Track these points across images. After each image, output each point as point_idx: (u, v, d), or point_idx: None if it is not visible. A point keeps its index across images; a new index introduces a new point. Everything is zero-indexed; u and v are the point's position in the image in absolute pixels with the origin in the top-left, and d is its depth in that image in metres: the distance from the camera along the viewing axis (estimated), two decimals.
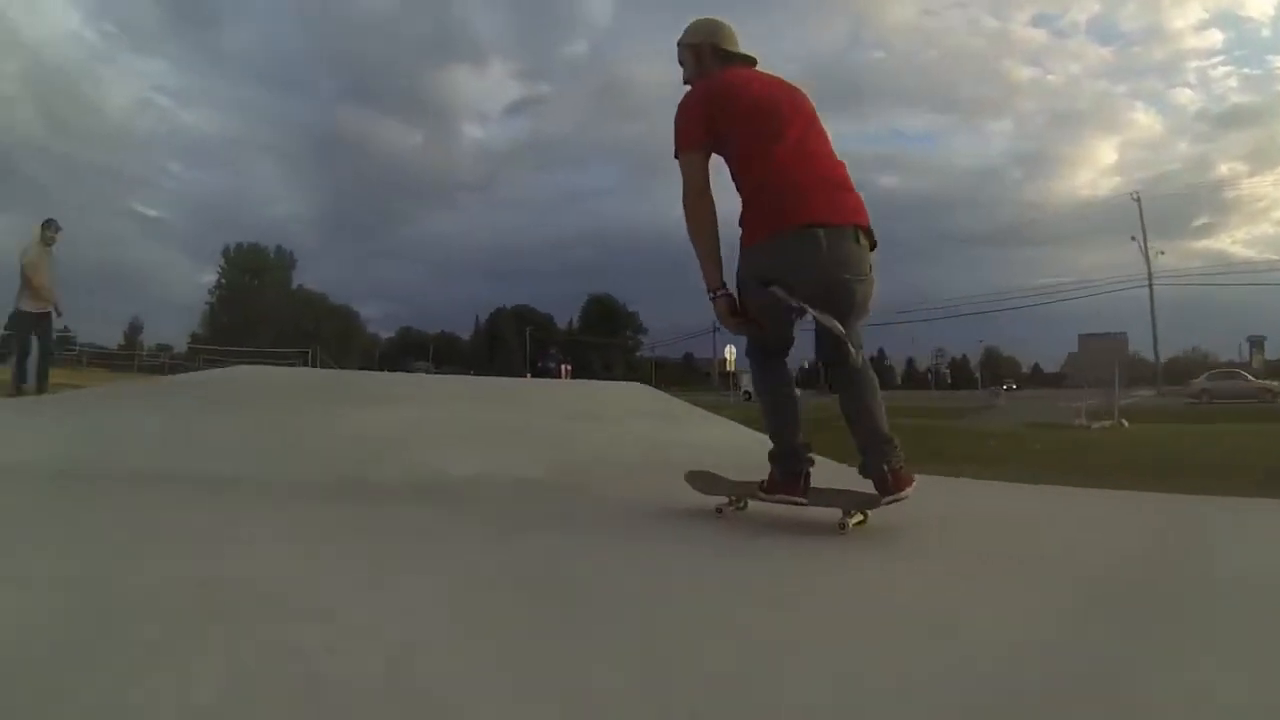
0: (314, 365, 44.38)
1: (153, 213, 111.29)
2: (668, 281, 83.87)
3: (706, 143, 2.41)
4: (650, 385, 8.61)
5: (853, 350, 2.32)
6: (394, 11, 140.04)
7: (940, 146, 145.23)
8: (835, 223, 2.28)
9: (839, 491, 2.50)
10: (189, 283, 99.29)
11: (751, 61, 2.61)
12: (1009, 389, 53.37)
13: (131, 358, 47.74)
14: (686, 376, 67.37)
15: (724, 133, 2.40)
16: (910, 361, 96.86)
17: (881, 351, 71.93)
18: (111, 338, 61.73)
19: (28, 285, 7.38)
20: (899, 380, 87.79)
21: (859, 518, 2.38)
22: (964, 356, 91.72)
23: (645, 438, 4.84)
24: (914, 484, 2.33)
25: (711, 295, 2.46)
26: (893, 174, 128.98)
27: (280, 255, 67.55)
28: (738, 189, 2.43)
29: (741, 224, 2.41)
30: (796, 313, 2.35)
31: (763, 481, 2.53)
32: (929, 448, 6.05)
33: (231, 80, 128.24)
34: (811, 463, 2.50)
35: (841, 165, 2.46)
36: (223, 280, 64.89)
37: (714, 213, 2.44)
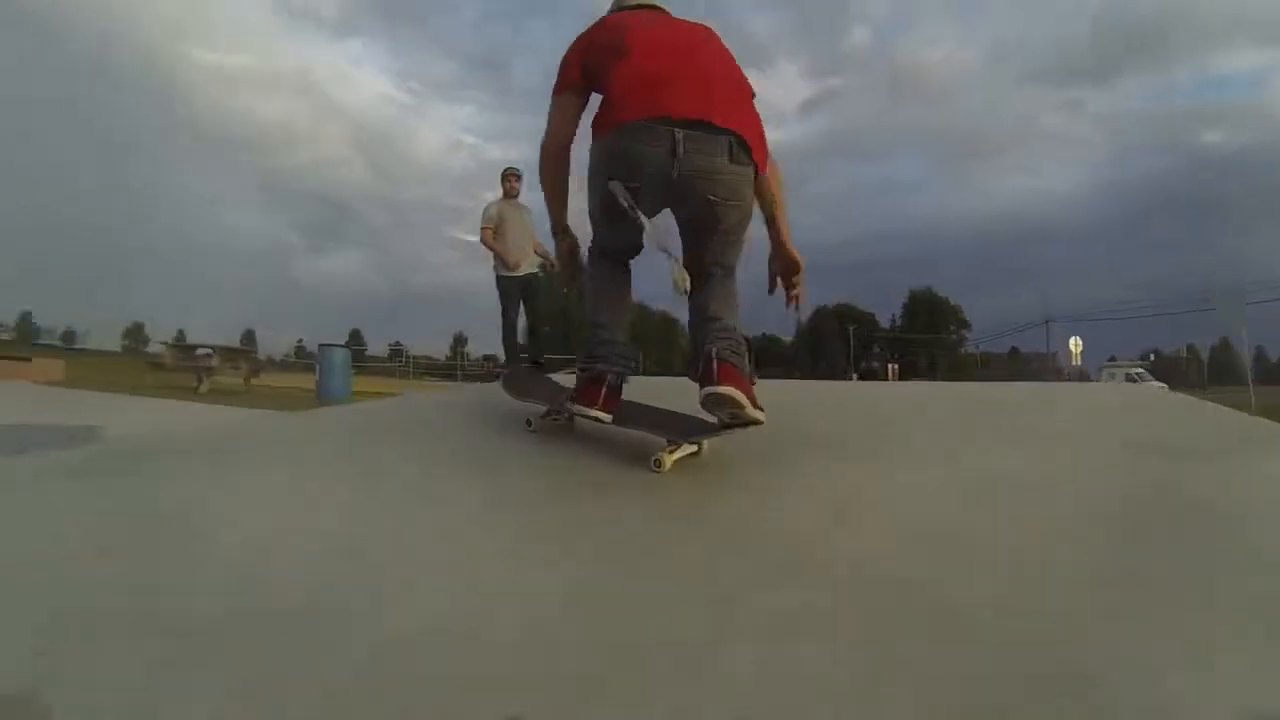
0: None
1: (471, 239, 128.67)
2: (989, 274, 76.55)
3: (579, 84, 2.17)
4: (965, 382, 7.25)
5: (681, 277, 1.97)
6: None
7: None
8: (695, 118, 1.92)
9: (664, 413, 2.13)
10: None
11: (654, 8, 2.30)
12: None
13: (455, 368, 55.13)
14: (1018, 371, 59.06)
15: (597, 70, 2.12)
16: (1260, 351, 69.50)
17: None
18: (439, 350, 73.18)
19: (491, 249, 6.69)
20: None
21: (685, 449, 1.94)
22: None
23: None
24: (741, 386, 1.81)
25: (556, 237, 2.33)
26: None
27: None
28: None
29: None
30: (630, 217, 1.95)
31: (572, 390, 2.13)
32: None
33: (528, 114, 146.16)
34: (626, 370, 2.09)
35: (741, 82, 2.16)
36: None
37: (568, 165, 2.25)
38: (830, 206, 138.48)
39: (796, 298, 2.29)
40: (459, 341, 77.59)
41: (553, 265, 5.87)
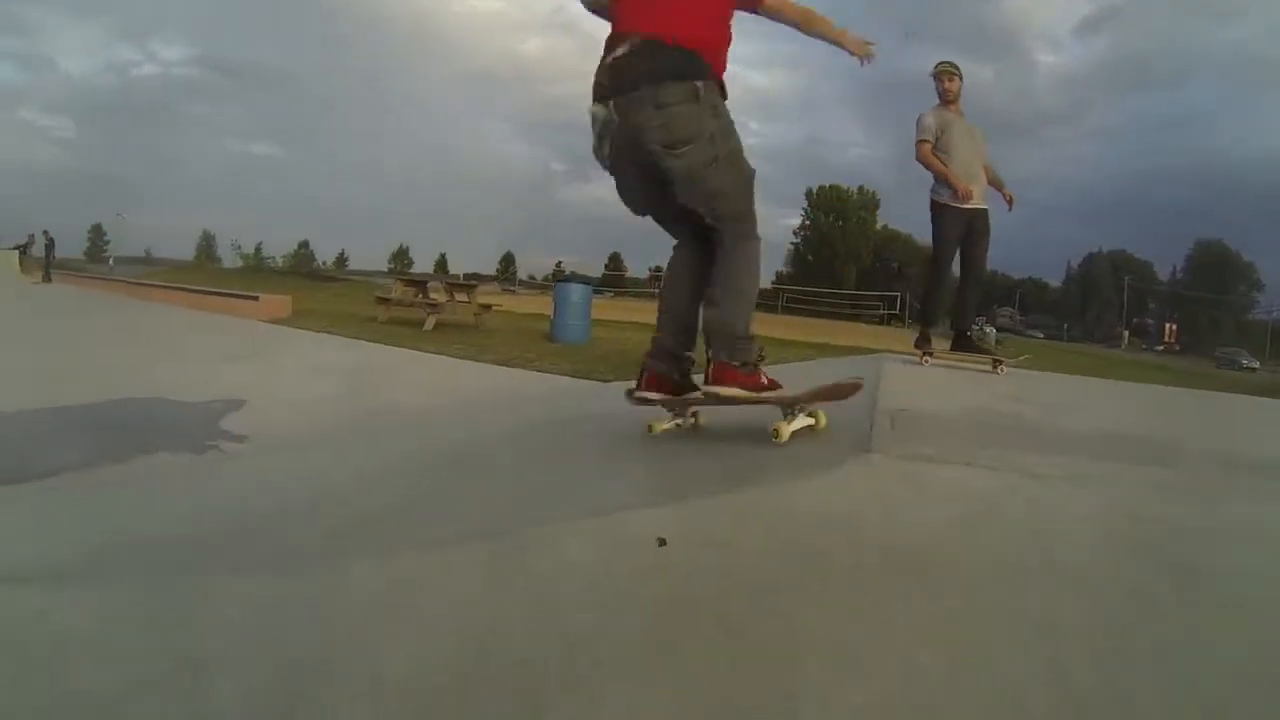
0: (898, 311, 44.80)
1: None
2: None
3: None
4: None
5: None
6: None
7: None
8: (626, 81, 2.09)
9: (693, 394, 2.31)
10: (772, 224, 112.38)
11: None
12: None
13: None
14: None
15: None
16: None
17: None
18: None
19: (933, 169, 5.01)
20: None
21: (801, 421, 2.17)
22: None
23: None
24: (743, 385, 2.15)
25: None
26: None
27: (863, 196, 68.74)
28: None
29: None
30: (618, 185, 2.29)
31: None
32: None
33: (786, 39, 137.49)
34: (659, 360, 2.33)
35: (677, 4, 2.15)
36: (807, 221, 68.95)
37: None
38: (1108, 140, 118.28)
39: (864, 50, 2.47)
40: None
41: (1010, 199, 5.31)
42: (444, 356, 7.70)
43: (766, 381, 2.20)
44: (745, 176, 2.23)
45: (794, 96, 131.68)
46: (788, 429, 2.11)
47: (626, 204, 2.34)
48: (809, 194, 68.96)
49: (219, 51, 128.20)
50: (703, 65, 2.10)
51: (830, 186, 68.68)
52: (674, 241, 2.44)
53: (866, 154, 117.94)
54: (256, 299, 12.52)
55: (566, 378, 6.55)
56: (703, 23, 2.16)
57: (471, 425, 3.63)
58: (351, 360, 7.17)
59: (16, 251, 24.40)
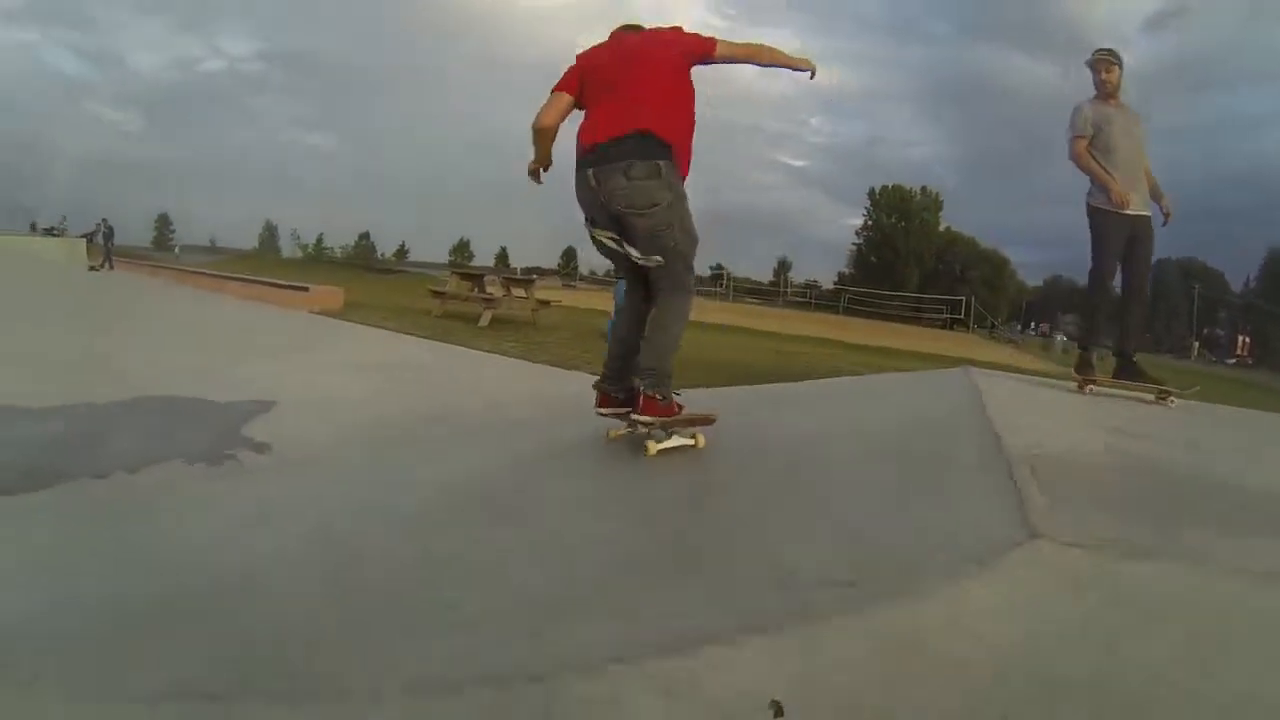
0: (964, 315, 43.70)
1: (798, 163, 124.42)
2: None
3: (573, 93, 2.80)
4: None
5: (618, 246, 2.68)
6: None
7: None
8: (602, 159, 2.59)
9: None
10: (833, 224, 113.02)
11: (632, 28, 2.92)
12: None
13: (779, 292, 56.89)
14: None
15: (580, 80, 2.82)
16: None
17: None
18: (763, 274, 70.28)
19: (1089, 171, 4.43)
20: None
21: (670, 441, 2.68)
22: None
23: None
24: (664, 414, 2.61)
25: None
26: None
27: (926, 197, 66.79)
28: None
29: None
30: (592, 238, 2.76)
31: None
32: None
33: (850, 37, 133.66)
34: (607, 382, 2.85)
35: (653, 99, 2.64)
36: (869, 221, 67.19)
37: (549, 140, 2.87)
38: (1178, 141, 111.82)
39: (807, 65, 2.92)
40: (783, 266, 73.65)
41: (1169, 213, 4.60)
42: (496, 355, 7.22)
43: (678, 408, 2.69)
44: (692, 240, 2.73)
45: (855, 94, 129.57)
46: (656, 446, 2.66)
47: (597, 249, 2.82)
48: (872, 194, 66.94)
49: (283, 46, 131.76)
50: (666, 148, 2.62)
51: (894, 187, 66.54)
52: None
53: (928, 153, 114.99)
54: (307, 290, 12.27)
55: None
56: (669, 116, 2.67)
57: (497, 452, 3.18)
58: (395, 358, 6.67)
59: (85, 239, 25.21)
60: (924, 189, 66.71)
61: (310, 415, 3.62)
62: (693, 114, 2.77)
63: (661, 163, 2.57)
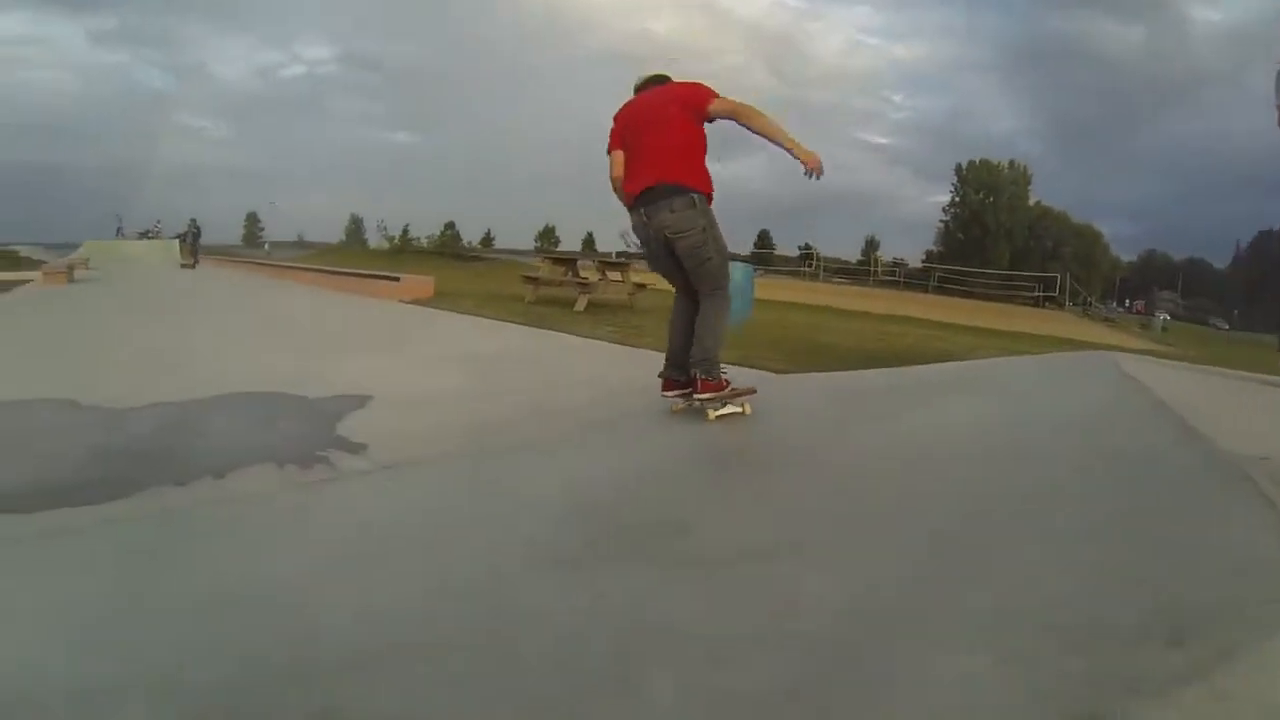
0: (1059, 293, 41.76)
1: (881, 140, 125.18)
2: None
3: (620, 147, 3.53)
4: None
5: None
6: None
7: None
8: (649, 200, 3.33)
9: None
10: (919, 202, 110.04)
11: (657, 80, 3.60)
12: None
13: (868, 271, 56.12)
14: None
15: (621, 138, 3.54)
16: None
17: None
18: (850, 254, 69.06)
19: None
20: None
21: (725, 409, 3.40)
22: None
23: None
24: (717, 390, 3.34)
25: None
26: None
27: (1014, 171, 64.11)
28: None
29: None
30: (649, 258, 3.54)
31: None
32: None
33: (927, 8, 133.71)
34: (670, 370, 3.55)
35: (672, 151, 3.34)
36: (957, 198, 65.06)
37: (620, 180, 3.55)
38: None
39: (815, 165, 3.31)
40: (871, 245, 72.43)
41: None
42: (595, 341, 7.12)
43: (726, 383, 3.39)
44: (723, 253, 3.43)
45: (936, 68, 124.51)
46: (714, 413, 3.37)
47: (652, 268, 3.63)
48: (959, 169, 64.57)
49: (359, 48, 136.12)
50: (695, 188, 3.32)
51: (980, 162, 63.81)
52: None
53: (1013, 126, 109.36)
54: (398, 280, 12.35)
55: (734, 366, 5.71)
56: (681, 164, 3.34)
57: (636, 450, 3.19)
58: (498, 346, 6.65)
59: (178, 240, 27.04)
60: (1012, 163, 63.92)
61: (412, 413, 3.60)
62: (703, 153, 3.41)
63: (695, 195, 3.30)
